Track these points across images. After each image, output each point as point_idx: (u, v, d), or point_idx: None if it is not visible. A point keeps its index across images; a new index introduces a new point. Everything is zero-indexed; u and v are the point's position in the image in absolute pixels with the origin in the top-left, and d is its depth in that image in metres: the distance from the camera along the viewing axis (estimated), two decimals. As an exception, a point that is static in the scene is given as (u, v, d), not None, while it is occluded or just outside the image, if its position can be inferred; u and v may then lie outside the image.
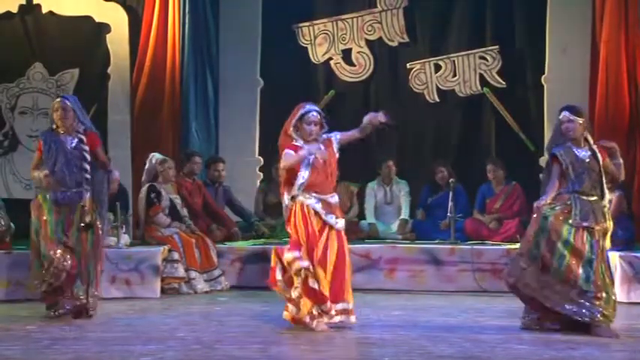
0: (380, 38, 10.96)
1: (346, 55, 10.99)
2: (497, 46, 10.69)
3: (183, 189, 9.35)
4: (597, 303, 6.28)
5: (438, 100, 10.84)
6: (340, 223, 6.52)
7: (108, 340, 6.21)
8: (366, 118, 6.61)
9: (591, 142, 6.51)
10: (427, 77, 10.84)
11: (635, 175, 9.68)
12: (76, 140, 7.06)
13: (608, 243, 6.51)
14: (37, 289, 7.07)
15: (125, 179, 9.72)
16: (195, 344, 5.93)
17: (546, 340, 6.12)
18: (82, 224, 6.97)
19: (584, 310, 6.27)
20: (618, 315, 6.62)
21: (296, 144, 6.52)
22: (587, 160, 6.44)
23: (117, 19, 10.38)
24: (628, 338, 6.31)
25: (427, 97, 10.86)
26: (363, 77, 11.00)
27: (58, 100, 7.19)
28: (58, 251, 6.92)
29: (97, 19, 10.39)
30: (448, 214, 9.34)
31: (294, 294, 6.41)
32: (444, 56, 10.83)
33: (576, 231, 6.36)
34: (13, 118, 10.49)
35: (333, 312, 6.40)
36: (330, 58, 11.01)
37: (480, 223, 9.76)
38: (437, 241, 9.36)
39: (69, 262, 6.92)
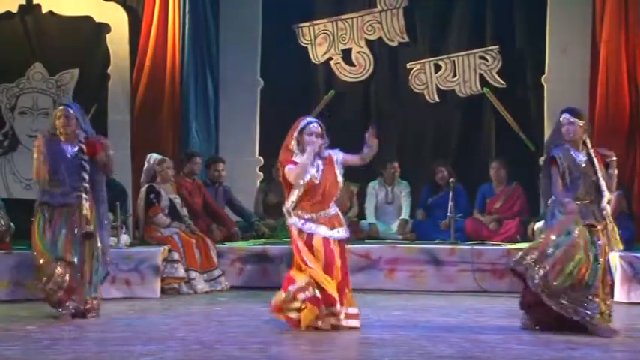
0: (380, 38, 10.95)
1: (346, 55, 10.98)
2: (497, 46, 10.69)
3: (183, 189, 9.35)
4: (597, 300, 6.28)
5: (438, 100, 10.84)
6: (336, 232, 6.54)
7: (108, 340, 6.21)
8: (366, 149, 6.61)
9: (589, 145, 6.51)
10: (427, 77, 10.83)
11: (635, 175, 9.67)
12: (76, 149, 7.09)
13: (618, 244, 6.51)
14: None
15: (125, 179, 9.75)
16: (195, 344, 5.93)
17: (546, 340, 6.12)
18: (83, 232, 7.01)
19: (586, 311, 6.27)
20: (618, 315, 6.62)
21: (296, 160, 6.52)
22: (584, 165, 6.45)
23: (117, 19, 10.38)
24: (628, 338, 6.31)
25: (427, 97, 10.86)
26: (363, 77, 10.99)
27: (61, 107, 7.20)
28: (58, 268, 6.97)
29: (97, 19, 10.38)
30: (448, 214, 9.34)
31: (296, 305, 6.43)
32: (444, 56, 10.82)
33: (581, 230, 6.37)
34: (13, 118, 10.49)
35: (342, 315, 6.42)
36: (330, 58, 11.00)
37: (480, 223, 9.76)
38: (437, 241, 9.36)
39: (67, 280, 6.97)
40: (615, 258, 8.15)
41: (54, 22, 10.41)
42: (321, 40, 10.99)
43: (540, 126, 10.43)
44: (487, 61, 10.70)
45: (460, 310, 7.59)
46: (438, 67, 10.82)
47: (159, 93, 10.19)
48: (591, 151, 6.50)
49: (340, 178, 6.60)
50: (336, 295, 6.37)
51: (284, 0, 10.87)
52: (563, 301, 6.28)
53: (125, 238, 8.76)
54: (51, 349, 5.81)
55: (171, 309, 7.72)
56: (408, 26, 10.88)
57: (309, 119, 6.67)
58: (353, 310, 6.53)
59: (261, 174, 10.78)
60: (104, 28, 10.40)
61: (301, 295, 6.39)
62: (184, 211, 9.15)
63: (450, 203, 9.30)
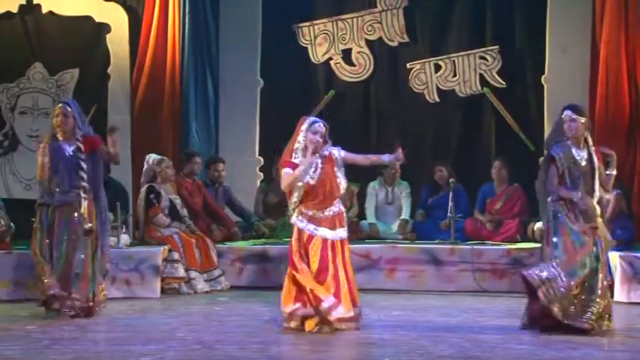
0: (380, 38, 10.95)
1: (346, 55, 10.98)
2: (497, 46, 10.68)
3: (183, 189, 9.35)
4: (597, 301, 6.29)
5: (438, 100, 10.84)
6: (336, 234, 6.54)
7: (108, 340, 6.22)
8: (387, 157, 6.76)
9: (590, 143, 6.50)
10: (427, 77, 10.83)
11: (635, 175, 9.67)
12: (73, 147, 7.10)
13: (607, 243, 6.52)
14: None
15: (125, 179, 9.75)
16: (195, 344, 5.94)
17: (546, 340, 6.12)
18: (85, 228, 7.03)
19: (589, 315, 6.27)
20: (618, 315, 6.62)
21: (294, 161, 6.53)
22: (584, 163, 6.44)
23: (117, 19, 10.37)
24: (628, 338, 6.31)
25: (427, 97, 10.85)
26: (363, 77, 10.98)
27: (60, 105, 7.23)
28: (45, 280, 7.05)
29: (97, 19, 10.38)
30: (448, 214, 9.34)
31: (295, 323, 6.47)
32: (444, 56, 10.82)
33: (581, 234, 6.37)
34: (13, 118, 10.48)
35: (334, 313, 6.41)
36: (330, 58, 11.00)
37: (480, 223, 9.76)
38: (437, 241, 9.36)
39: (52, 288, 7.03)
40: (615, 258, 8.15)
41: (54, 22, 10.40)
42: (321, 40, 10.99)
43: (540, 126, 10.42)
44: (487, 61, 10.70)
45: (460, 310, 7.59)
46: (438, 67, 10.81)
47: (159, 93, 10.18)
48: (592, 149, 6.50)
49: (340, 176, 6.61)
50: (323, 295, 6.36)
51: (284, 0, 10.86)
52: (572, 310, 6.27)
53: (125, 238, 8.76)
54: (51, 349, 5.81)
55: (171, 309, 7.72)
56: (408, 26, 10.87)
57: (313, 118, 6.68)
58: (349, 313, 6.50)
59: (261, 174, 10.78)
60: (104, 28, 10.39)
61: (298, 314, 6.41)
62: (184, 212, 9.15)
63: (450, 203, 9.30)
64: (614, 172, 6.64)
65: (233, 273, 9.06)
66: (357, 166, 6.86)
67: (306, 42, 11.02)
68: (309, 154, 6.49)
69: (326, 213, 6.54)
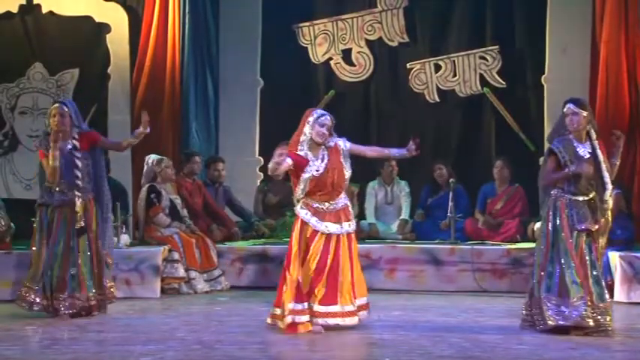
0: (380, 38, 10.95)
1: (346, 55, 10.98)
2: (497, 46, 10.69)
3: (183, 189, 9.35)
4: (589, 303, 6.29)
5: (438, 100, 10.84)
6: (341, 228, 6.54)
7: (108, 340, 6.22)
8: (397, 151, 6.92)
9: (593, 137, 6.46)
10: (427, 77, 10.83)
11: (635, 175, 9.67)
12: (70, 146, 7.10)
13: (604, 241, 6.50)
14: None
15: (125, 179, 9.75)
16: (195, 344, 5.94)
17: (546, 340, 6.12)
18: (78, 227, 7.03)
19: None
20: (618, 315, 6.62)
21: (300, 153, 6.51)
22: (587, 157, 6.40)
23: (117, 19, 10.37)
24: (628, 338, 6.31)
25: (427, 97, 10.86)
26: (363, 77, 10.99)
27: (56, 105, 7.22)
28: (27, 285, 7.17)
29: (97, 19, 10.38)
30: (448, 214, 9.34)
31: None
32: (444, 56, 10.82)
33: (578, 235, 6.34)
34: (13, 118, 10.48)
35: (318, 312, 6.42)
36: (330, 58, 11.00)
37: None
38: (437, 241, 9.36)
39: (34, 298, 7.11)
40: (615, 258, 8.15)
41: (54, 22, 10.40)
42: (321, 40, 10.99)
43: (540, 126, 10.43)
44: (487, 61, 10.70)
45: (460, 310, 7.60)
46: (438, 67, 10.82)
47: (159, 93, 10.18)
48: (595, 143, 6.45)
49: (347, 167, 6.60)
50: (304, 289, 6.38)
51: (284, 0, 10.87)
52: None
53: (125, 238, 8.77)
54: (51, 349, 5.81)
55: (171, 309, 7.72)
56: (408, 26, 10.88)
57: (321, 111, 6.67)
58: (347, 307, 6.50)
59: (261, 174, 10.77)
60: (104, 28, 10.39)
61: (289, 319, 6.40)
62: (184, 212, 9.15)
63: (450, 203, 9.30)
64: (618, 162, 6.61)
65: (233, 273, 9.06)
66: (362, 158, 6.85)
67: (306, 42, 11.03)
68: (278, 162, 6.40)
69: (331, 206, 6.52)
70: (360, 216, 10.19)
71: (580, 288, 6.22)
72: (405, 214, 10.06)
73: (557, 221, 6.36)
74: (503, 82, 10.69)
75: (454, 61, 10.79)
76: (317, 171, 6.49)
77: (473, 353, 5.69)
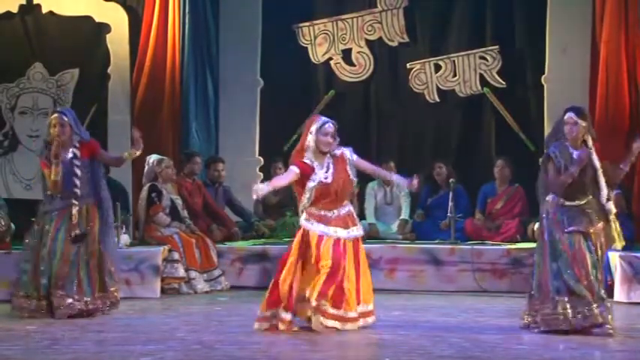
0: (380, 38, 10.95)
1: (346, 55, 10.98)
2: (497, 46, 10.69)
3: (184, 189, 9.36)
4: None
5: (438, 100, 10.84)
6: (349, 233, 6.54)
7: (108, 340, 6.21)
8: (397, 179, 6.93)
9: (590, 145, 6.47)
10: (427, 77, 10.83)
11: (635, 175, 9.66)
12: (70, 155, 7.11)
13: (615, 240, 6.49)
14: None
15: (125, 179, 9.74)
16: (195, 344, 5.93)
17: (546, 340, 6.12)
18: (73, 235, 7.03)
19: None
20: (618, 315, 6.61)
21: (305, 161, 6.52)
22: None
23: (117, 19, 10.37)
24: (628, 338, 6.31)
25: (427, 97, 10.85)
26: (363, 77, 10.99)
27: (56, 115, 7.23)
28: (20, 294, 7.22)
29: (97, 19, 10.37)
30: (448, 214, 9.35)
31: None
32: (444, 56, 10.82)
33: (571, 236, 6.34)
34: (13, 118, 10.48)
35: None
36: (330, 58, 11.00)
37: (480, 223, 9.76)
38: (437, 241, 9.36)
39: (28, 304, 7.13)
40: (615, 258, 8.15)
41: (54, 22, 10.39)
42: (321, 40, 10.99)
43: (540, 126, 10.42)
44: (487, 61, 10.70)
45: (460, 310, 7.60)
46: (438, 67, 10.81)
47: (159, 93, 10.18)
48: (592, 150, 6.46)
49: (353, 176, 6.61)
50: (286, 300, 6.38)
51: (284, 0, 10.86)
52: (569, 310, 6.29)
53: (125, 238, 8.77)
54: (51, 349, 5.81)
55: (171, 309, 7.72)
56: (408, 26, 10.88)
57: (324, 119, 6.65)
58: (352, 314, 6.49)
59: (261, 174, 10.77)
60: (104, 28, 10.38)
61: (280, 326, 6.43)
62: (184, 212, 9.15)
63: (450, 203, 9.30)
64: (627, 169, 6.62)
65: (233, 273, 9.06)
66: (362, 158, 6.85)
67: (306, 42, 11.02)
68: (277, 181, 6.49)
69: (335, 213, 6.53)
70: (360, 216, 10.14)
71: (581, 288, 6.22)
72: (404, 214, 10.06)
73: (551, 226, 6.38)
74: (503, 82, 10.68)
75: (454, 61, 10.78)
76: (325, 179, 6.48)
77: (473, 353, 5.69)
